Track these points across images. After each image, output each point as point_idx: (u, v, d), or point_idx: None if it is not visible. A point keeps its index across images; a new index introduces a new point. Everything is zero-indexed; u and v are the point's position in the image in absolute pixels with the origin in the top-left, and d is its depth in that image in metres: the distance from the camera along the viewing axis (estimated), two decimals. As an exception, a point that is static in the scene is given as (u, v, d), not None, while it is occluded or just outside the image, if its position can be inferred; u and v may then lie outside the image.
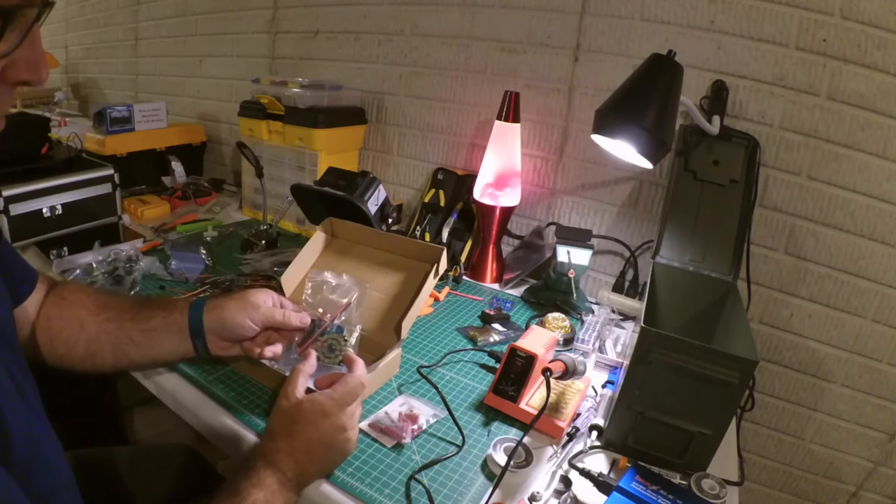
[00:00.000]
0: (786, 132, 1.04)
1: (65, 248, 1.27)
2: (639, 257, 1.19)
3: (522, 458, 0.68)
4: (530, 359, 0.77)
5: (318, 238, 1.02)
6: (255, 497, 0.53)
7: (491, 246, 1.27)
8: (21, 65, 0.42)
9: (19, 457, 0.41)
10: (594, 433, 0.77)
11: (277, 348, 0.74)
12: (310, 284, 0.84)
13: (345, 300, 0.82)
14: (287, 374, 0.76)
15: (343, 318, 0.79)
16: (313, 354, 0.69)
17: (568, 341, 0.98)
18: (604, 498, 0.64)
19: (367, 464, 0.67)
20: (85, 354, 0.69)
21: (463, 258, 1.30)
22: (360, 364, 0.67)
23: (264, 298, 0.73)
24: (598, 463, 0.73)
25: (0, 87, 0.43)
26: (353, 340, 0.76)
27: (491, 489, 0.63)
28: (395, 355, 0.83)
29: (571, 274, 1.11)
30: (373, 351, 0.84)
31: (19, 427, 0.42)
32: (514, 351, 0.79)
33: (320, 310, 0.80)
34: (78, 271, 1.05)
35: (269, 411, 0.74)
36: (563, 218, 1.30)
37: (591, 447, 0.75)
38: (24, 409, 0.45)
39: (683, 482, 0.68)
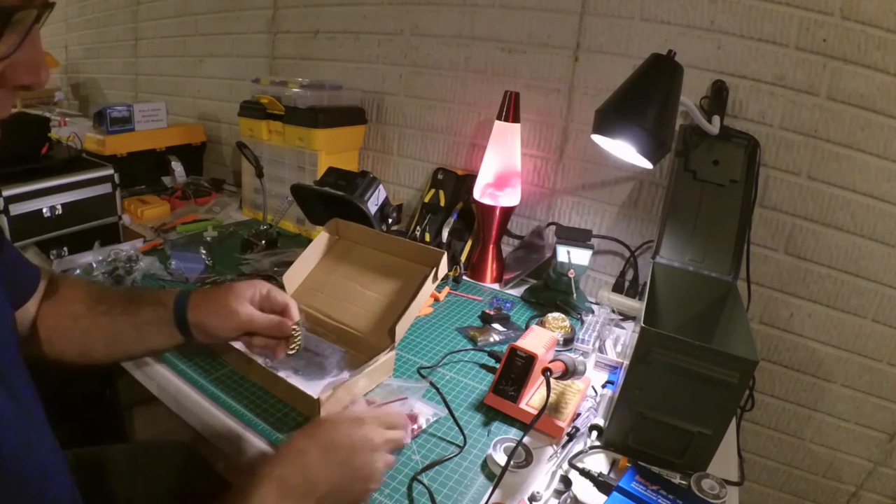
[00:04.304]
0: (786, 132, 1.04)
1: (65, 248, 1.26)
2: (639, 257, 1.19)
3: (522, 458, 0.68)
4: (530, 359, 0.77)
5: (322, 238, 1.02)
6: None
7: (491, 246, 1.27)
8: (21, 68, 0.41)
9: (12, 467, 0.41)
10: (594, 433, 0.77)
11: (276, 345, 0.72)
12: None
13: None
14: (279, 372, 0.78)
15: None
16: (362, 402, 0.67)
17: (568, 341, 0.98)
18: (604, 498, 0.64)
19: (367, 464, 0.66)
20: (81, 349, 0.69)
21: (463, 258, 1.30)
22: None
23: (242, 304, 0.70)
24: (598, 463, 0.73)
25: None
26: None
27: (491, 489, 0.63)
28: (387, 358, 0.83)
29: (571, 274, 1.11)
30: (367, 353, 0.84)
31: (13, 436, 0.41)
32: (514, 351, 0.79)
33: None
34: (78, 271, 1.05)
35: (269, 411, 0.75)
36: (563, 218, 1.30)
37: (591, 447, 0.75)
38: (20, 415, 0.45)
39: (683, 482, 0.68)
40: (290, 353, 0.73)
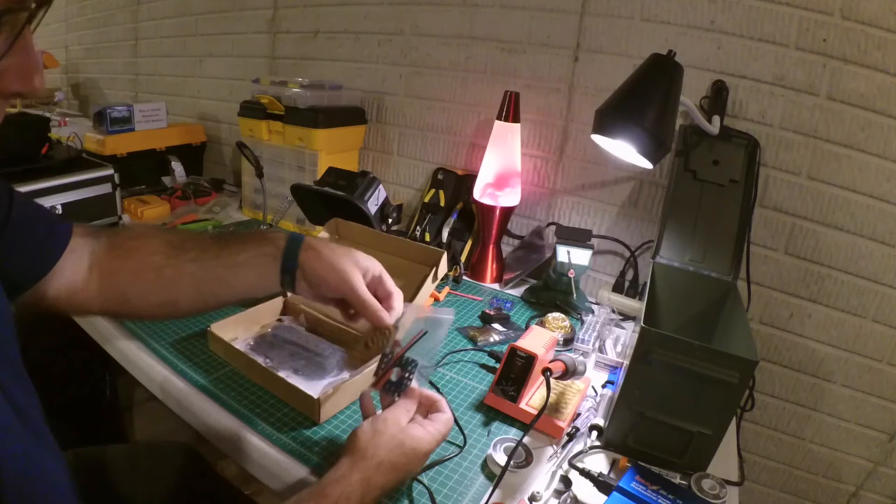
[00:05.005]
0: (786, 132, 1.04)
1: (65, 248, 1.26)
2: (639, 257, 1.19)
3: (522, 458, 0.68)
4: (530, 359, 0.77)
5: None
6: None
7: (491, 246, 1.27)
8: (11, 74, 0.38)
9: (12, 474, 0.40)
10: (594, 433, 0.77)
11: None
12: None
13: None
14: (279, 372, 0.78)
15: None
16: (416, 391, 0.65)
17: (568, 341, 0.98)
18: (604, 498, 0.64)
19: (367, 464, 0.66)
20: (164, 301, 0.65)
21: (463, 258, 1.30)
22: (445, 403, 0.66)
23: (356, 271, 0.65)
24: (598, 463, 0.73)
25: None
26: (414, 377, 0.68)
27: (491, 489, 0.63)
28: None
29: (571, 274, 1.11)
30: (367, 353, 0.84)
31: (13, 443, 0.41)
32: (514, 351, 0.79)
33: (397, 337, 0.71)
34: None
35: (269, 411, 0.75)
36: (563, 218, 1.30)
37: (591, 447, 0.75)
38: (19, 421, 0.45)
39: (683, 482, 0.68)
40: (369, 348, 0.67)
